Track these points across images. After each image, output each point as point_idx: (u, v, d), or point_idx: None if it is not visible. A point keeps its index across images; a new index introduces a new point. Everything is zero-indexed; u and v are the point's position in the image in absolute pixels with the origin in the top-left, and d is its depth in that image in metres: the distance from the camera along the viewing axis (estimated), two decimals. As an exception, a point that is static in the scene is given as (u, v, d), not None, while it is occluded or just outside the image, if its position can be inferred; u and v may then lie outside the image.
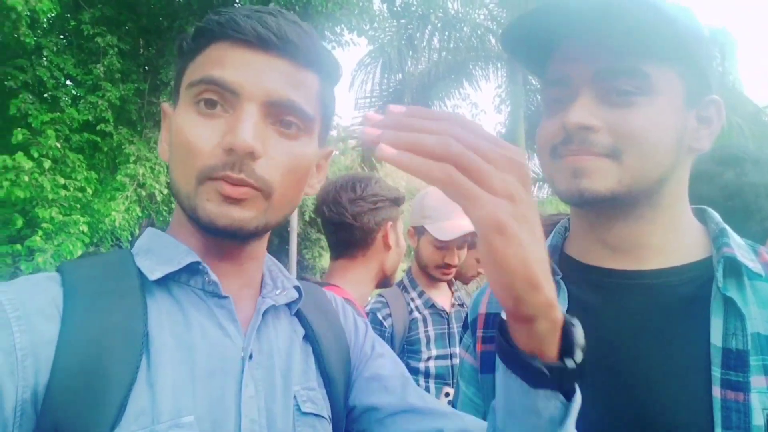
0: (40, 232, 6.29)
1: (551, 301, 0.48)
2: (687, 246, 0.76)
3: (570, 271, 0.80)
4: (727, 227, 0.76)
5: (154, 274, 0.66)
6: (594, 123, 0.69)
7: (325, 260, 13.22)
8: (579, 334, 0.52)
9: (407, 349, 1.84)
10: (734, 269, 0.70)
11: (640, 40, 0.68)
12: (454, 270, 1.98)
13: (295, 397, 0.71)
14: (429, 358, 1.83)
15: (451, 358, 1.86)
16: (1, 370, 0.54)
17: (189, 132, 0.65)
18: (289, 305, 0.78)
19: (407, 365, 1.80)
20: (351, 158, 15.49)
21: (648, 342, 0.71)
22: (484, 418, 0.72)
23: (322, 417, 0.73)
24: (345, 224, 1.57)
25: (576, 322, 0.52)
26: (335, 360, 0.79)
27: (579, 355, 0.51)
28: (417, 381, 1.78)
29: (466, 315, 0.96)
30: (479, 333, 0.90)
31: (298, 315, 0.79)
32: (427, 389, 1.79)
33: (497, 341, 0.53)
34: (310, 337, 0.78)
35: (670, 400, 0.68)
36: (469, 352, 0.91)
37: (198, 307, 0.67)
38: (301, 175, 0.71)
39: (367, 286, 1.58)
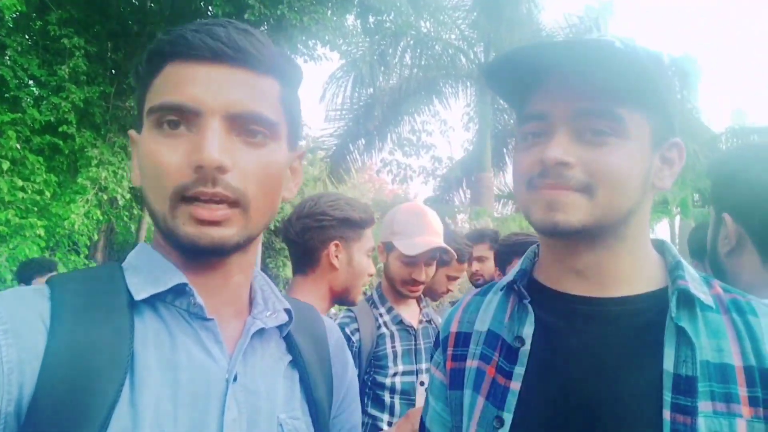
0: (-6, 235, 6.10)
1: None
2: (647, 276, 0.81)
3: (538, 295, 0.85)
4: (683, 260, 0.81)
5: (140, 294, 0.66)
6: (570, 160, 0.74)
7: (289, 270, 13.09)
8: None
9: (374, 364, 1.84)
10: (687, 301, 0.75)
11: (617, 86, 0.73)
12: (421, 286, 1.99)
13: (281, 425, 0.71)
14: (395, 374, 1.84)
15: (416, 374, 1.87)
16: None
17: (156, 154, 0.65)
18: (279, 328, 0.77)
19: (373, 380, 1.83)
20: (320, 169, 15.47)
21: (606, 366, 0.75)
22: None
23: None
24: (290, 240, 1.63)
25: None
26: (321, 387, 0.79)
27: None
28: (382, 396, 1.80)
29: (438, 332, 1.00)
30: (449, 351, 0.93)
31: (287, 338, 0.78)
32: (392, 405, 1.81)
33: None
34: (298, 363, 0.77)
35: (624, 421, 0.72)
36: (440, 369, 0.95)
37: (183, 329, 0.67)
38: (275, 181, 0.71)
39: (320, 304, 1.58)
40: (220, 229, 0.65)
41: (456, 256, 2.30)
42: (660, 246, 0.86)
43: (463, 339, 0.92)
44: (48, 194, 6.68)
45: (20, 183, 6.20)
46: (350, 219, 1.61)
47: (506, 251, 2.33)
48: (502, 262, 2.38)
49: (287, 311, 0.78)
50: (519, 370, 0.80)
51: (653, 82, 0.74)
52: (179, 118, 0.65)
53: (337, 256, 1.59)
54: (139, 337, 0.64)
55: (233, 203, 0.65)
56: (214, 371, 0.67)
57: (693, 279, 0.78)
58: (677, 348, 0.73)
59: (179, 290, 0.68)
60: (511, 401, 0.79)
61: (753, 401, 0.69)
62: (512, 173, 0.85)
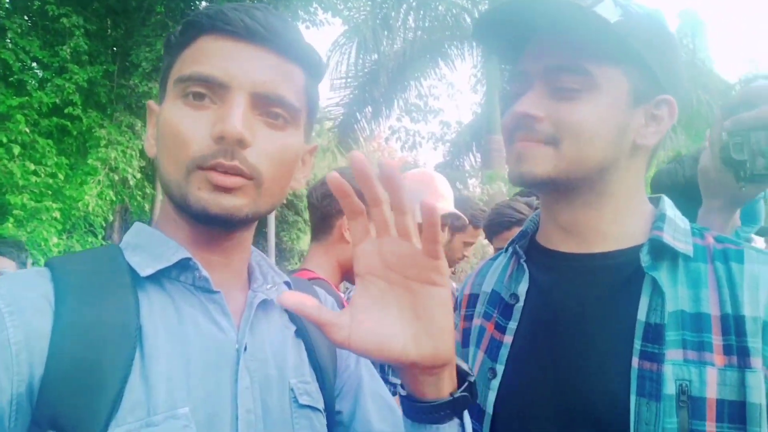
0: (12, 219, 6.18)
1: (453, 350, 0.59)
2: (632, 232, 0.81)
3: (535, 254, 0.88)
4: (669, 213, 0.80)
5: (145, 270, 0.66)
6: (536, 113, 0.77)
7: (302, 243, 13.22)
8: (465, 367, 0.64)
9: None
10: (664, 251, 0.76)
11: (584, 42, 0.75)
12: None
13: (292, 389, 0.72)
14: None
15: None
16: None
17: (178, 123, 0.65)
18: None
19: None
20: (327, 139, 15.39)
21: (589, 318, 0.78)
22: None
23: (318, 409, 0.75)
24: (311, 204, 1.63)
25: (461, 361, 0.64)
26: (325, 354, 0.81)
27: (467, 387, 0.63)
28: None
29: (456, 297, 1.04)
30: (462, 312, 0.99)
31: (288, 310, 0.78)
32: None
33: (404, 406, 0.64)
34: (301, 333, 0.79)
35: (596, 369, 0.74)
36: (456, 330, 0.98)
37: (190, 302, 0.68)
38: (289, 165, 0.72)
39: (331, 276, 1.57)
40: (233, 198, 0.66)
41: (468, 222, 2.30)
42: (656, 202, 0.86)
43: (473, 300, 0.97)
44: (61, 177, 6.73)
45: (32, 167, 6.25)
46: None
47: (488, 225, 2.29)
48: (489, 235, 2.36)
49: (286, 283, 0.80)
50: (512, 325, 0.84)
51: (620, 38, 0.74)
52: (206, 90, 0.66)
53: (349, 229, 1.57)
54: (145, 312, 0.64)
55: (248, 178, 0.66)
56: (224, 342, 0.68)
57: (675, 230, 0.78)
58: (651, 298, 0.74)
59: (183, 265, 0.68)
60: (504, 354, 0.83)
61: (727, 349, 0.69)
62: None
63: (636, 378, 0.71)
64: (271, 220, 8.56)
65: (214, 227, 0.69)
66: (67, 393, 0.56)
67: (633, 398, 0.70)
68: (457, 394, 0.61)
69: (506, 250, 0.95)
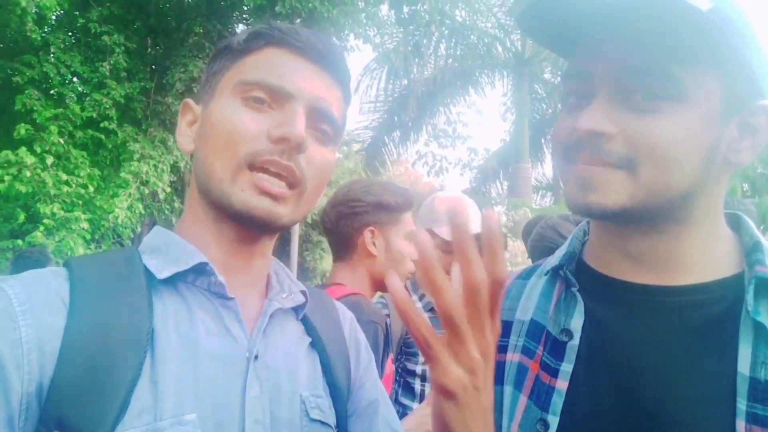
0: (42, 228, 6.32)
1: None
2: (717, 261, 0.68)
3: (588, 281, 0.74)
4: (763, 240, 0.68)
5: (162, 273, 0.67)
6: (608, 129, 0.62)
7: (326, 263, 13.22)
8: None
9: (405, 351, 1.84)
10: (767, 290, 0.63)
11: (673, 38, 0.60)
12: None
13: (303, 402, 0.71)
14: None
15: None
16: (6, 363, 0.54)
17: (236, 120, 0.67)
18: (295, 310, 0.78)
19: (404, 368, 1.81)
20: (355, 161, 15.51)
21: (671, 365, 0.65)
22: None
23: (329, 425, 0.73)
24: (327, 230, 1.61)
25: None
26: (339, 369, 0.79)
27: None
28: (413, 384, 1.79)
29: None
30: None
31: (305, 321, 0.79)
32: (423, 392, 1.79)
33: None
34: (317, 345, 0.78)
35: (691, 431, 0.62)
36: None
37: (204, 307, 0.68)
38: (326, 179, 0.75)
39: (365, 289, 1.54)
40: (276, 205, 0.67)
41: None
42: (735, 222, 0.72)
43: (503, 328, 0.81)
44: (92, 188, 6.89)
45: (65, 177, 6.41)
46: (384, 203, 1.56)
47: (530, 247, 2.12)
48: (532, 257, 2.19)
49: (303, 293, 0.79)
50: (566, 368, 0.70)
51: (722, 34, 0.58)
52: (268, 96, 0.69)
53: (374, 243, 1.55)
54: (158, 315, 0.64)
55: (292, 185, 0.68)
56: (235, 349, 0.67)
57: None
58: (755, 347, 0.61)
59: (200, 269, 0.68)
60: (557, 402, 0.69)
61: None
62: (552, 141, 0.75)
63: None
64: (295, 239, 8.60)
65: (248, 228, 0.70)
66: (75, 394, 0.56)
67: None
68: None
69: (546, 272, 0.80)
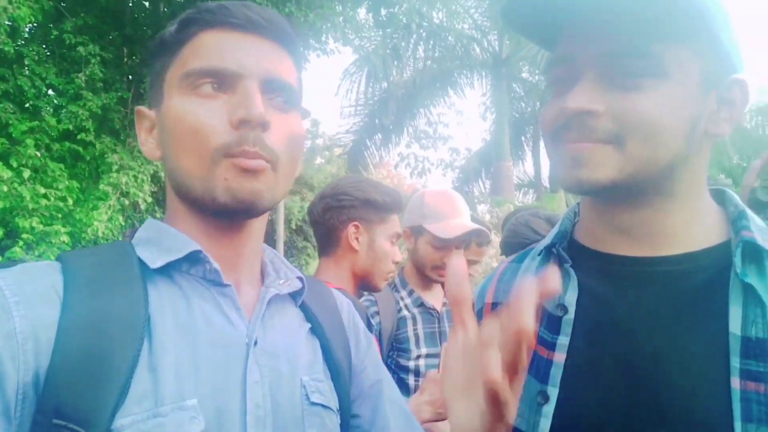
0: (21, 243, 6.21)
1: None
2: (704, 231, 0.71)
3: (580, 258, 0.77)
4: (747, 210, 0.71)
5: (155, 263, 0.67)
6: (595, 107, 0.65)
7: (311, 268, 13.16)
8: None
9: (396, 347, 1.84)
10: (755, 254, 0.66)
11: (651, 19, 0.63)
12: None
13: (304, 386, 0.71)
14: (419, 357, 1.82)
15: (441, 357, 1.87)
16: (2, 354, 0.54)
17: (194, 116, 0.66)
18: (293, 296, 0.79)
19: (396, 364, 1.81)
20: (337, 166, 15.49)
21: (664, 332, 0.68)
22: None
23: (330, 408, 0.73)
24: (313, 221, 1.63)
25: None
26: (340, 354, 0.80)
27: None
28: (406, 380, 1.79)
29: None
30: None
31: (303, 308, 0.79)
32: (416, 388, 1.78)
33: None
34: (316, 331, 0.78)
35: (688, 393, 0.64)
36: None
37: (200, 294, 0.68)
38: (300, 147, 0.74)
39: (346, 285, 1.55)
40: (257, 182, 0.66)
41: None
42: (720, 196, 0.76)
43: (498, 309, 0.84)
44: (71, 201, 6.78)
45: (42, 190, 6.30)
46: (372, 200, 1.58)
47: (503, 243, 2.15)
48: (505, 253, 2.23)
49: (299, 279, 0.79)
50: (563, 341, 0.73)
51: (697, 8, 0.62)
52: (216, 82, 0.67)
53: (357, 238, 1.57)
54: (154, 304, 0.64)
55: (267, 161, 0.67)
56: (234, 335, 0.67)
57: (760, 230, 0.69)
58: (745, 307, 0.64)
59: (194, 258, 0.68)
60: (556, 375, 0.72)
61: None
62: (540, 126, 0.77)
63: (740, 401, 0.61)
64: (280, 245, 8.56)
65: (234, 217, 0.70)
66: (73, 382, 0.56)
67: (738, 425, 0.61)
68: None
69: (540, 252, 0.83)
